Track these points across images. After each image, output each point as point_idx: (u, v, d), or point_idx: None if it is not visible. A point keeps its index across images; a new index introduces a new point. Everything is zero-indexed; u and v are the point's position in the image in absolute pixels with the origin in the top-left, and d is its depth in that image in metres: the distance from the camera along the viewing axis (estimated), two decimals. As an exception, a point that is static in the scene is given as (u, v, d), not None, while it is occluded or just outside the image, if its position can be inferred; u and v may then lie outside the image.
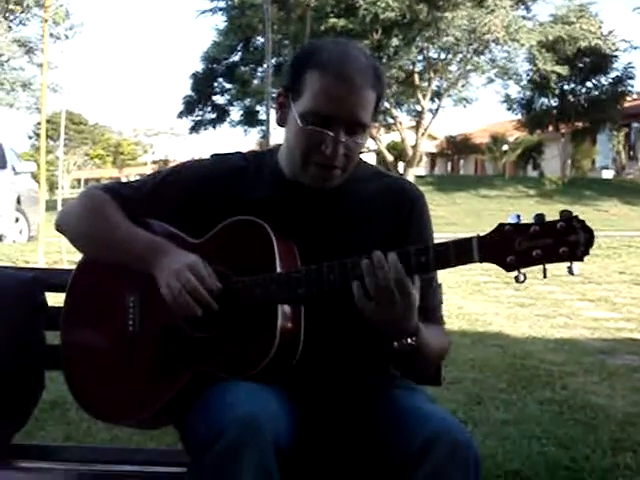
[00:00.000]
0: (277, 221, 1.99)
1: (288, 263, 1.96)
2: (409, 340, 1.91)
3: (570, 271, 1.73)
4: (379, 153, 36.88)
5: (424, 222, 2.15)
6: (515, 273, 1.76)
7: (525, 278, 1.75)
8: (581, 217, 1.72)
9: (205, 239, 2.05)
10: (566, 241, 1.71)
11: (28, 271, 2.50)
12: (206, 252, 2.00)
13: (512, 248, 1.75)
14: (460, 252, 1.80)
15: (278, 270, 1.93)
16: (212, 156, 2.25)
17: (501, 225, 1.77)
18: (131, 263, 2.06)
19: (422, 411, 1.88)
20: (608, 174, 42.27)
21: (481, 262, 1.78)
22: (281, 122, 2.08)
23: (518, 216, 1.77)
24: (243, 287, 1.95)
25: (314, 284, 1.90)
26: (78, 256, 2.25)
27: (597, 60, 36.22)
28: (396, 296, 1.84)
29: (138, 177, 2.40)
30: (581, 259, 1.71)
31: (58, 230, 2.23)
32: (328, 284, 1.89)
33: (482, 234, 1.79)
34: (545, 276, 1.75)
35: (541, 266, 1.75)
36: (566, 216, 1.72)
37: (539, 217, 1.74)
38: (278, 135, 2.17)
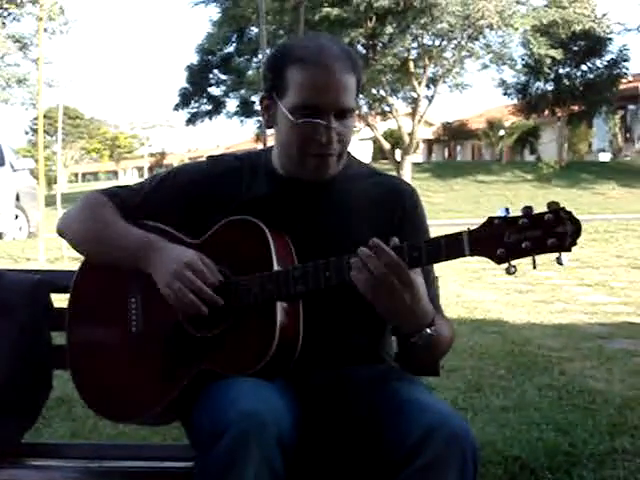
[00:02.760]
0: (272, 218, 2.05)
1: (285, 260, 2.01)
2: (428, 331, 1.94)
3: (559, 261, 1.78)
4: (376, 141, 36.77)
5: (418, 217, 2.20)
6: (506, 265, 1.80)
7: (515, 270, 1.79)
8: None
9: (202, 240, 2.10)
10: (554, 232, 1.75)
11: (33, 273, 2.54)
12: (204, 253, 2.04)
13: (501, 241, 1.80)
14: (451, 246, 1.84)
15: (275, 267, 1.98)
16: (207, 158, 2.30)
17: (490, 219, 1.82)
18: (125, 260, 2.11)
19: (420, 403, 1.92)
20: (605, 157, 42.18)
21: (472, 256, 1.83)
22: (269, 124, 2.15)
23: (507, 209, 1.82)
24: (241, 286, 1.99)
25: (310, 281, 1.94)
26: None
27: (592, 43, 36.03)
28: (395, 283, 1.86)
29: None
30: (569, 249, 1.76)
31: (60, 235, 2.29)
32: (324, 280, 1.93)
33: (472, 228, 1.84)
34: (535, 267, 1.80)
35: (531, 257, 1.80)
36: (553, 208, 1.76)
37: (527, 210, 1.79)
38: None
